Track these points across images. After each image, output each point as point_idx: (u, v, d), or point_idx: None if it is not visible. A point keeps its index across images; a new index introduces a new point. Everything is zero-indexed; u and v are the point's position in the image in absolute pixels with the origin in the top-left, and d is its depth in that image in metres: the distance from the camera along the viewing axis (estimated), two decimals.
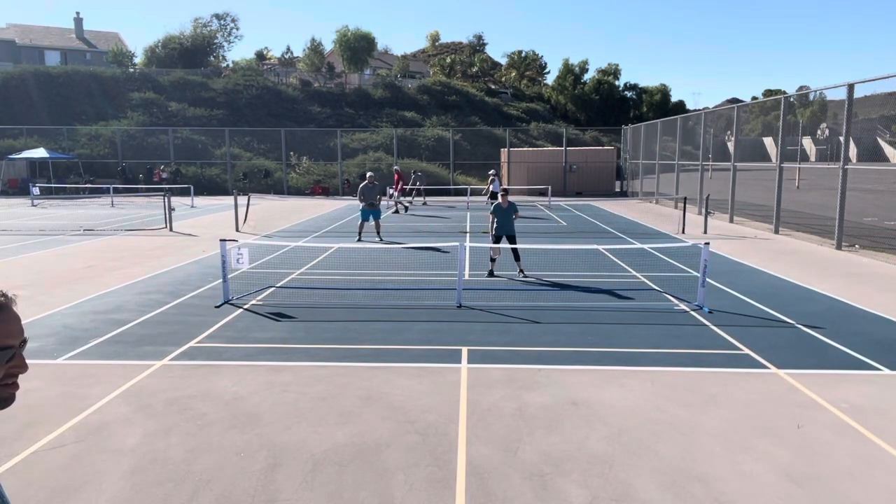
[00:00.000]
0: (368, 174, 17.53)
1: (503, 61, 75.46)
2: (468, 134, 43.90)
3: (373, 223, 16.87)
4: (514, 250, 11.85)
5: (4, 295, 1.41)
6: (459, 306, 9.37)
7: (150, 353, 7.24)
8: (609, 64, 65.74)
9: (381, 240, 16.49)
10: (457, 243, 10.30)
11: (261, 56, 64.51)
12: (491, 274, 11.83)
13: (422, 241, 16.25)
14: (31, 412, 5.56)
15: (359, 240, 16.39)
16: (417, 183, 29.39)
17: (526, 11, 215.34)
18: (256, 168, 37.84)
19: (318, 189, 36.52)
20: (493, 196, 21.20)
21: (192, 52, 52.97)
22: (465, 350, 7.35)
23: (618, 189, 37.65)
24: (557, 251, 14.40)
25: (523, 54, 73.24)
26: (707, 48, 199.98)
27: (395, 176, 26.75)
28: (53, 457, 4.79)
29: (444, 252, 14.44)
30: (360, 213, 16.97)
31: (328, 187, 37.19)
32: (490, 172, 24.13)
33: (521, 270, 11.82)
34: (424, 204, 29.61)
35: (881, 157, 51.47)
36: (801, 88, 66.01)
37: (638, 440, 5.06)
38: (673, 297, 10.11)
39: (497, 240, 11.90)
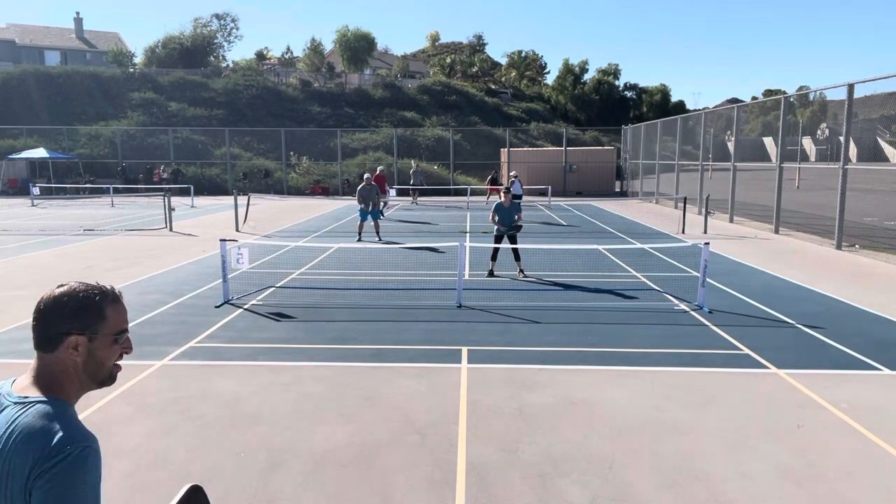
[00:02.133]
0: (366, 175, 17.54)
1: (503, 61, 75.42)
2: (468, 134, 43.89)
3: (372, 223, 16.89)
4: (515, 250, 11.85)
5: (113, 289, 1.72)
6: (459, 306, 9.37)
7: (150, 353, 7.23)
8: (609, 64, 65.73)
9: (380, 240, 16.50)
10: (456, 243, 10.30)
11: (261, 56, 64.51)
12: (491, 274, 11.83)
13: (422, 241, 16.25)
14: None
15: (359, 240, 16.39)
16: (412, 180, 29.39)
17: (526, 11, 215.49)
18: (256, 168, 37.83)
19: (318, 189, 36.53)
20: (517, 197, 21.15)
21: (192, 52, 52.92)
22: (465, 350, 7.34)
23: (618, 189, 37.65)
24: (557, 251, 14.40)
25: (523, 54, 73.21)
26: (707, 48, 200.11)
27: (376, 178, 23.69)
28: None
29: (443, 252, 14.44)
30: (358, 213, 17.00)
31: (328, 187, 37.19)
32: (511, 174, 23.83)
33: (522, 270, 11.81)
34: (414, 203, 29.47)
35: (881, 157, 51.44)
36: (801, 88, 66.02)
37: (638, 440, 5.06)
38: (673, 297, 10.11)
39: (499, 238, 11.87)
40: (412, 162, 32.93)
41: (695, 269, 11.33)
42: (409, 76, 62.32)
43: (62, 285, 1.65)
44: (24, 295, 10.08)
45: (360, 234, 16.79)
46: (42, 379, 1.60)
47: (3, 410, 1.55)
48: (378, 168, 25.94)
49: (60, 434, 1.47)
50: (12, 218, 22.72)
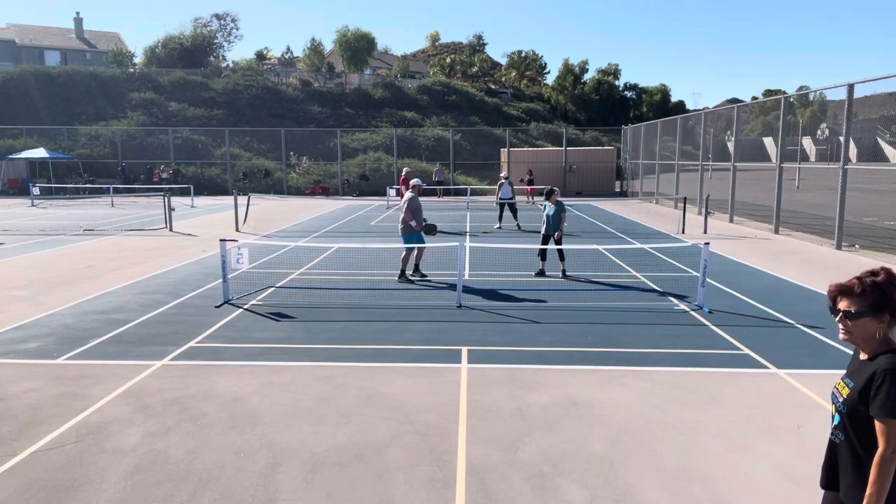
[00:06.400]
0: (414, 182, 12.32)
1: (503, 61, 75.48)
2: (468, 134, 43.89)
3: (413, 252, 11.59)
4: (559, 251, 11.83)
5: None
6: (459, 306, 9.37)
7: (150, 353, 7.23)
8: (609, 64, 65.77)
9: (418, 273, 11.77)
10: (457, 243, 10.30)
11: (261, 56, 64.54)
12: (541, 273, 11.84)
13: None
14: (31, 412, 5.55)
15: (404, 277, 11.42)
16: (434, 178, 30.81)
17: (526, 11, 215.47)
18: (256, 168, 37.83)
19: (318, 189, 36.56)
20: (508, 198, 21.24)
21: (192, 52, 52.94)
22: (465, 350, 7.34)
23: (618, 189, 37.66)
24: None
25: (523, 54, 73.25)
26: (707, 48, 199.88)
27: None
28: (53, 457, 4.79)
29: (444, 251, 14.43)
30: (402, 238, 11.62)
31: (328, 187, 37.21)
32: (502, 175, 23.63)
33: (564, 271, 11.83)
34: (439, 198, 31.02)
35: (881, 157, 51.41)
36: (801, 88, 66.02)
37: (638, 440, 5.06)
38: (673, 297, 10.11)
39: (545, 238, 11.88)
40: (437, 163, 36.52)
41: (695, 269, 11.33)
42: (409, 76, 62.31)
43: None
44: (24, 295, 10.08)
45: (405, 268, 11.42)
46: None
47: None
48: (404, 170, 25.47)
49: None
50: (12, 218, 22.71)
